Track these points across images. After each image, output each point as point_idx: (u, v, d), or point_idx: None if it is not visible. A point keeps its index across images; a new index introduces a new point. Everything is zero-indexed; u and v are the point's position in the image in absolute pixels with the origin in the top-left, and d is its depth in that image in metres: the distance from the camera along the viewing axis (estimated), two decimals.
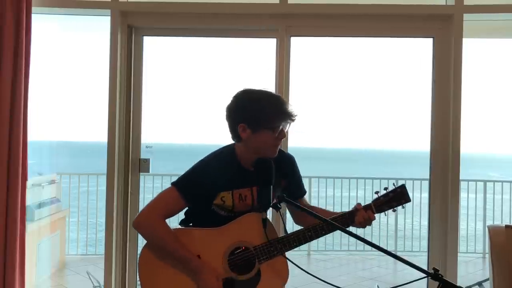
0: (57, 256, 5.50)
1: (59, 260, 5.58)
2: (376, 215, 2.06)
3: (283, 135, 2.03)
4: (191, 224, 2.21)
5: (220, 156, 2.13)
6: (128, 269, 3.37)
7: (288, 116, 2.02)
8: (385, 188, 2.07)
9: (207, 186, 2.05)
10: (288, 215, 2.36)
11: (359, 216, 2.01)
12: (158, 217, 2.04)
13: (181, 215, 2.22)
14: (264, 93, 2.06)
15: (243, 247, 2.04)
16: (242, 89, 2.09)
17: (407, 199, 2.05)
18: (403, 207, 2.07)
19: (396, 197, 2.05)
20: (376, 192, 2.08)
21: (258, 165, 2.00)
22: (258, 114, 1.99)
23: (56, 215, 5.23)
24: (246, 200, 2.10)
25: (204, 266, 2.01)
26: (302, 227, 2.06)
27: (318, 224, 2.00)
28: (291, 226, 2.24)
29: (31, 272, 4.23)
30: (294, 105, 2.11)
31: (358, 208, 2.04)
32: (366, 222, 2.02)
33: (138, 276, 2.10)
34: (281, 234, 2.06)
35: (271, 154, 2.05)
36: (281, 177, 2.14)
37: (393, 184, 2.08)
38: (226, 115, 2.08)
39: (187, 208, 2.17)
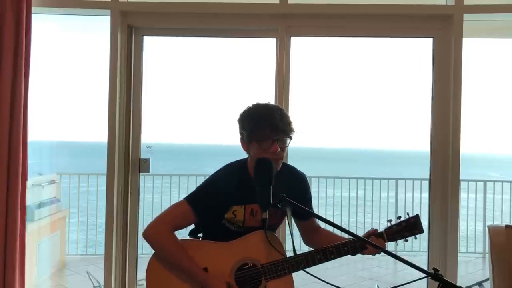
0: (57, 256, 5.50)
1: (59, 260, 5.58)
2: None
3: (274, 149, 2.00)
4: (199, 235, 2.22)
5: (232, 170, 2.15)
6: (128, 269, 3.37)
7: (275, 131, 2.00)
8: (399, 217, 2.08)
9: (219, 199, 2.07)
10: (296, 233, 2.32)
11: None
12: (167, 230, 2.06)
13: (191, 226, 2.22)
14: (262, 106, 2.07)
15: (251, 264, 2.05)
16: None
17: (420, 230, 2.05)
18: (415, 238, 2.07)
19: (409, 227, 2.05)
20: (389, 220, 2.08)
21: (257, 164, 1.99)
22: (247, 126, 2.04)
23: (56, 215, 5.23)
24: (257, 215, 2.10)
25: (211, 276, 2.02)
26: (311, 249, 2.07)
27: (327, 247, 2.02)
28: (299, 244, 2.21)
29: (31, 272, 4.23)
30: (295, 120, 2.10)
31: (370, 236, 2.04)
32: (377, 250, 1.99)
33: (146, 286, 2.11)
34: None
35: None
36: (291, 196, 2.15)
37: (407, 214, 2.08)
38: None
39: (193, 223, 2.17)
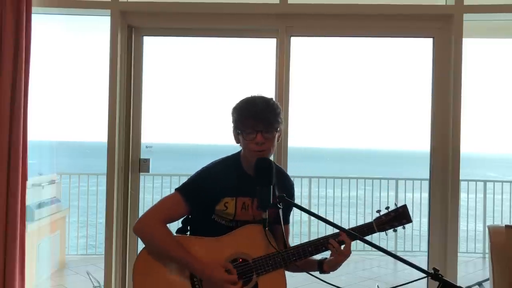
0: (57, 256, 5.50)
1: (59, 260, 5.58)
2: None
3: (258, 139, 1.97)
4: (188, 233, 2.17)
5: (225, 162, 2.13)
6: (128, 269, 3.36)
7: (257, 121, 1.96)
8: (387, 208, 2.08)
9: (211, 189, 2.04)
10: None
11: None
12: (159, 222, 2.02)
13: (178, 223, 2.18)
14: (248, 98, 2.05)
15: (241, 259, 2.01)
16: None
17: (409, 220, 2.06)
18: (403, 228, 2.08)
19: (397, 217, 2.06)
20: (378, 211, 2.08)
21: (258, 164, 1.98)
22: (234, 118, 2.04)
23: (56, 215, 5.23)
24: (249, 209, 2.07)
25: (208, 265, 1.97)
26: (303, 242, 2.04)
27: (320, 238, 2.00)
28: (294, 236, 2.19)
29: (31, 272, 4.22)
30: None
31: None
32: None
33: (132, 276, 2.04)
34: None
35: (251, 159, 2.03)
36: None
37: (395, 204, 2.09)
38: None
39: (185, 216, 2.14)
